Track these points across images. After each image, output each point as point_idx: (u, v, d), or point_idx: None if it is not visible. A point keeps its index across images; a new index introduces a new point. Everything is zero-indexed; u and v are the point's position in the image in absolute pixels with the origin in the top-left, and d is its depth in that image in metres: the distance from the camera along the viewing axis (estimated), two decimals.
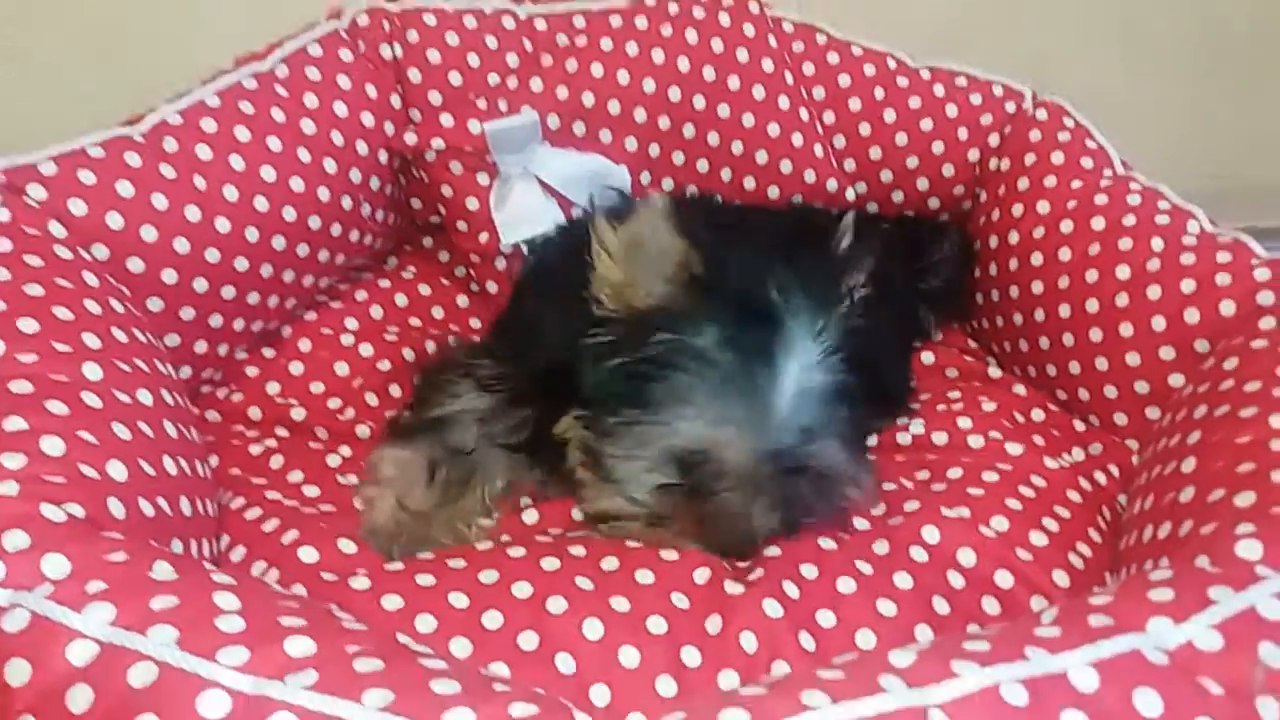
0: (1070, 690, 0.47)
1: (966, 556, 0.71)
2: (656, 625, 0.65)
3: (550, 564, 0.70)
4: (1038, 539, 0.73)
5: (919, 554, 0.71)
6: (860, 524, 0.75)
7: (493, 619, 0.64)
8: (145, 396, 0.74)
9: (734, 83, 1.07)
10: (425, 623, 0.64)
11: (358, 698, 0.43)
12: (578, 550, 0.72)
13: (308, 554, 0.71)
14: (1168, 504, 0.68)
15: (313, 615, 0.51)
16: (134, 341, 0.79)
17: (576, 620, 0.64)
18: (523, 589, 0.67)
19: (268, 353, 1.03)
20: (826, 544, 0.72)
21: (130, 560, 0.52)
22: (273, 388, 1.00)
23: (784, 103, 1.08)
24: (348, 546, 0.72)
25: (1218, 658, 0.50)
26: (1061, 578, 0.72)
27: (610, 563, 0.70)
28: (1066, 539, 0.74)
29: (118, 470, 0.63)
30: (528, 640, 0.63)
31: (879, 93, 1.10)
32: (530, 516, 0.81)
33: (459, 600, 0.66)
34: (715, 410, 0.69)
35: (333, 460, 0.90)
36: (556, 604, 0.65)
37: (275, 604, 0.51)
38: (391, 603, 0.66)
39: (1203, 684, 0.49)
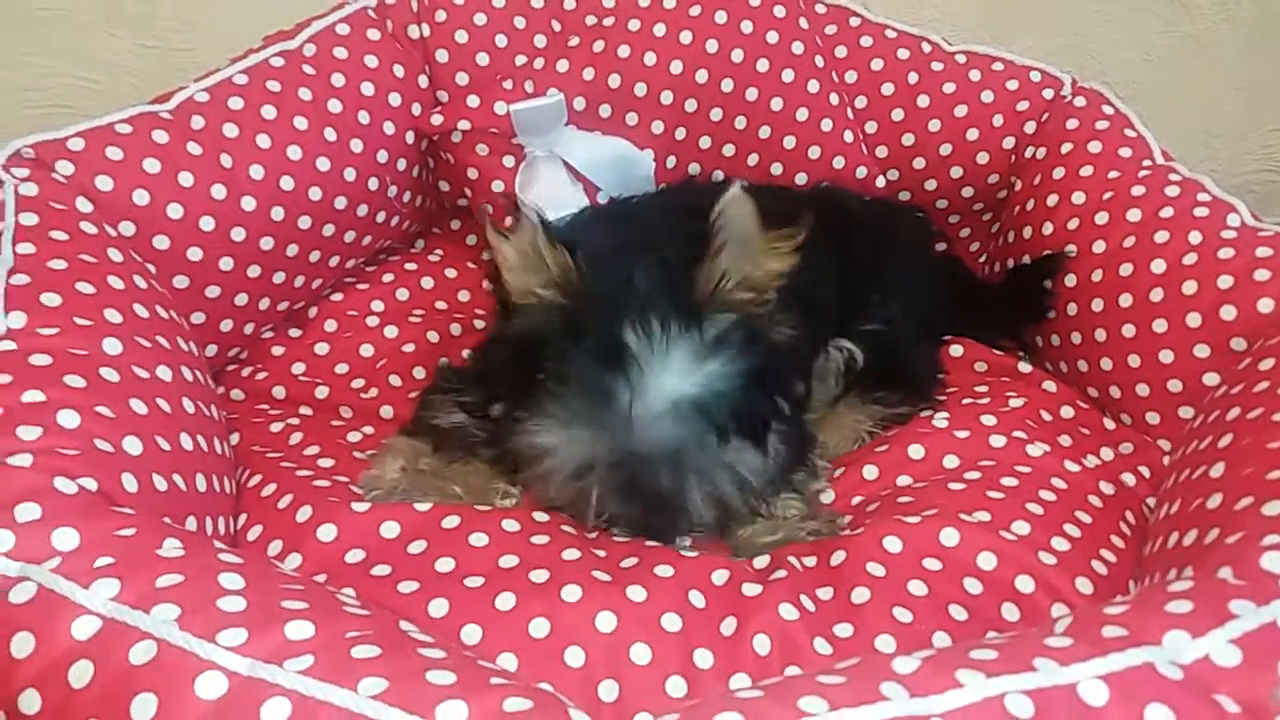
0: (1078, 703, 0.45)
1: (986, 561, 0.69)
2: (671, 623, 0.64)
3: (571, 554, 0.69)
4: (1060, 544, 0.71)
5: (935, 560, 0.70)
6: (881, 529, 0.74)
7: (506, 601, 0.64)
8: (165, 373, 0.74)
9: (763, 65, 1.05)
10: (439, 607, 0.64)
11: (353, 685, 0.43)
12: (600, 548, 0.72)
13: (326, 532, 0.70)
14: (1194, 510, 0.66)
15: (316, 598, 0.50)
16: (156, 318, 0.79)
17: (591, 612, 0.64)
18: (540, 575, 0.66)
19: (294, 333, 1.04)
20: (839, 553, 0.71)
21: (139, 536, 0.53)
22: (298, 368, 1.01)
23: (814, 87, 1.07)
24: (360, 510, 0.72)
25: (1235, 674, 0.48)
26: (1085, 584, 0.70)
27: (630, 560, 0.70)
28: (1090, 544, 0.72)
29: (133, 445, 0.64)
30: (539, 628, 0.63)
31: (913, 77, 1.08)
32: None
33: (473, 582, 0.66)
34: (573, 448, 0.70)
35: (353, 437, 0.90)
36: (572, 593, 0.65)
37: (279, 586, 0.51)
38: (408, 587, 0.66)
39: (1219, 701, 0.47)
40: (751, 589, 0.66)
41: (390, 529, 0.70)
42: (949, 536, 0.70)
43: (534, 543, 0.69)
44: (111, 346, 0.71)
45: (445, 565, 0.67)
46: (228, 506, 0.76)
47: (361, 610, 0.51)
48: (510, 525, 0.71)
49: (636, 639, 0.62)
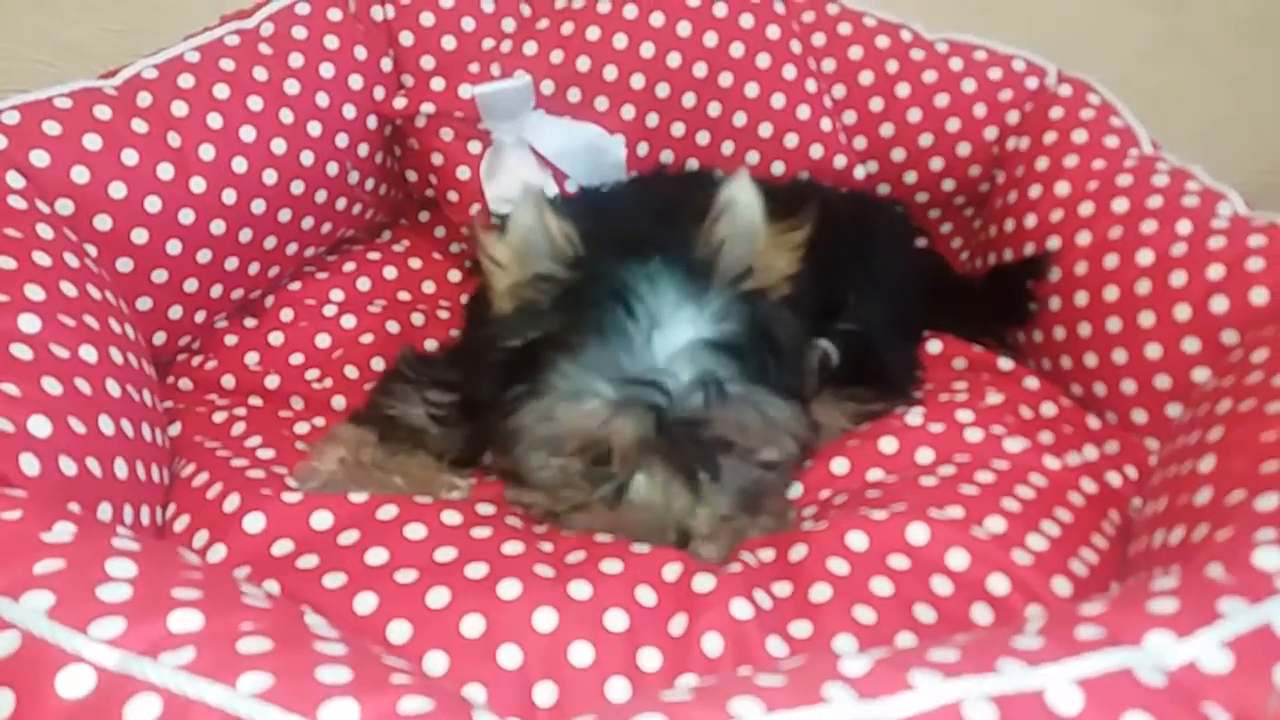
0: (1046, 712, 0.41)
1: (957, 559, 0.65)
2: (616, 621, 0.59)
3: (513, 548, 0.65)
4: (1036, 542, 0.67)
5: (903, 557, 0.65)
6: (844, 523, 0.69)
7: (438, 597, 0.59)
8: (89, 353, 0.70)
9: (737, 50, 1.01)
10: (365, 602, 0.60)
11: (231, 681, 0.38)
12: (546, 541, 0.67)
13: (253, 522, 0.66)
14: (1182, 506, 0.62)
15: (213, 589, 0.46)
16: (85, 297, 0.75)
17: (528, 609, 0.59)
18: (477, 569, 0.62)
19: (249, 322, 1.00)
20: (800, 548, 0.66)
21: (25, 519, 0.48)
22: (251, 358, 0.97)
23: (790, 73, 1.03)
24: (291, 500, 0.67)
25: (1225, 681, 0.43)
26: (1063, 585, 0.66)
27: (576, 555, 0.65)
28: (1068, 543, 0.68)
29: (40, 426, 0.60)
30: (472, 626, 0.58)
31: (892, 66, 1.04)
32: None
33: (405, 576, 0.61)
34: (592, 389, 0.65)
35: (301, 428, 0.86)
36: (510, 588, 0.60)
37: (176, 575, 0.47)
38: (333, 580, 0.61)
39: (1206, 711, 0.42)
40: (704, 584, 0.61)
41: (322, 520, 0.66)
42: (918, 533, 0.66)
43: (474, 536, 0.65)
44: (28, 323, 0.67)
45: (377, 558, 0.62)
46: (156, 496, 0.72)
47: (264, 603, 0.47)
48: (451, 517, 0.66)
49: (577, 638, 0.58)
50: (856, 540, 0.66)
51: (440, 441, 0.79)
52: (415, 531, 0.64)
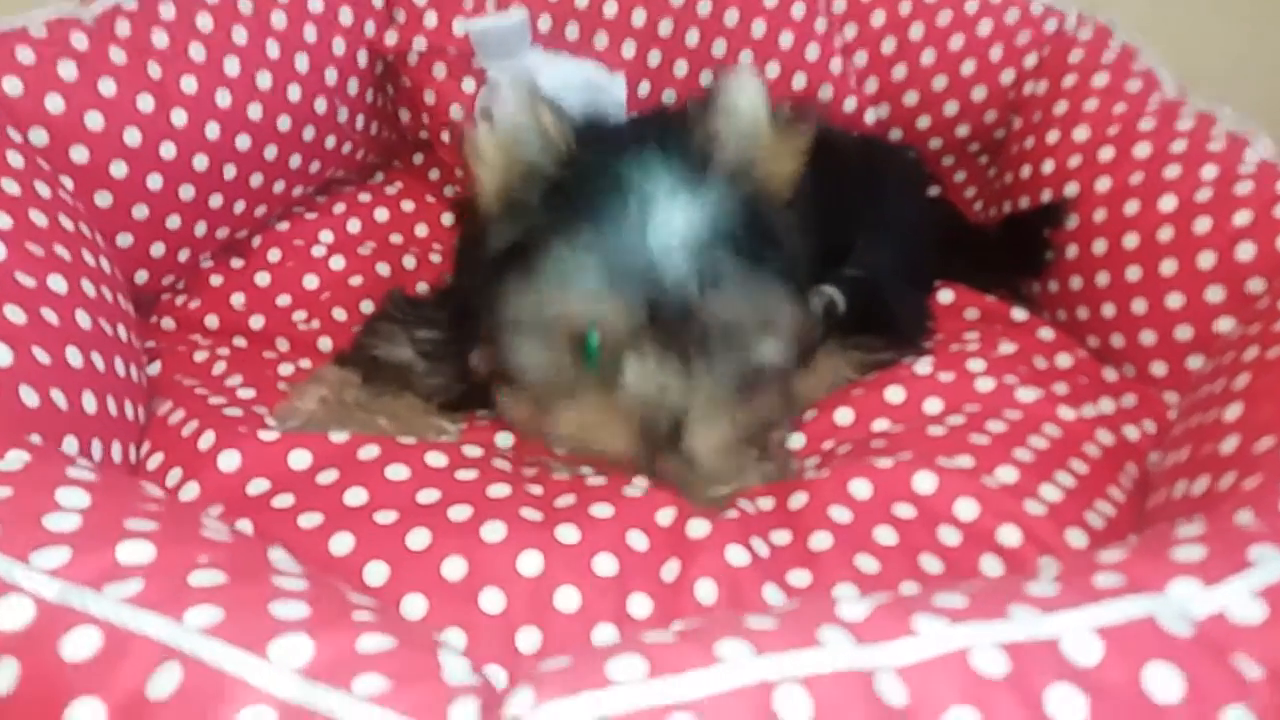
0: (1062, 661, 0.38)
1: (966, 509, 0.62)
2: (605, 566, 0.57)
3: (499, 490, 0.62)
4: (1050, 493, 0.63)
5: (909, 506, 0.62)
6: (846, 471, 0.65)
7: (419, 538, 0.56)
8: (58, 283, 0.67)
9: None
10: (341, 543, 0.57)
11: (178, 615, 0.36)
12: (535, 484, 0.64)
13: (228, 460, 0.63)
14: (1206, 455, 0.58)
15: (171, 521, 0.43)
16: (57, 227, 0.72)
17: (513, 552, 0.56)
18: (460, 512, 0.59)
19: (236, 263, 0.97)
20: (800, 495, 0.63)
21: None
22: (237, 298, 0.94)
23: (799, 11, 0.98)
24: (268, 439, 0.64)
25: (1257, 632, 0.40)
26: (1078, 537, 0.62)
27: (566, 499, 0.62)
28: (1084, 495, 0.64)
29: (1, 354, 0.56)
30: (453, 569, 0.55)
31: (905, 7, 1.00)
32: (505, 440, 0.73)
33: (385, 517, 0.58)
34: (584, 276, 0.61)
35: (285, 369, 0.83)
36: (494, 531, 0.57)
37: (132, 506, 0.44)
38: (309, 520, 0.58)
39: (1236, 664, 0.39)
40: (698, 529, 0.58)
41: (300, 459, 0.63)
42: (924, 481, 0.62)
43: (459, 478, 0.62)
44: None
45: (356, 498, 0.60)
46: (129, 432, 0.69)
47: (225, 538, 0.44)
48: (435, 459, 0.63)
49: (564, 582, 0.55)
50: (860, 488, 0.63)
51: (428, 382, 0.75)
52: (397, 472, 0.61)
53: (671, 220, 0.62)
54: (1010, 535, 0.61)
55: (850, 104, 1.02)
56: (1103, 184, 0.86)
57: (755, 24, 0.98)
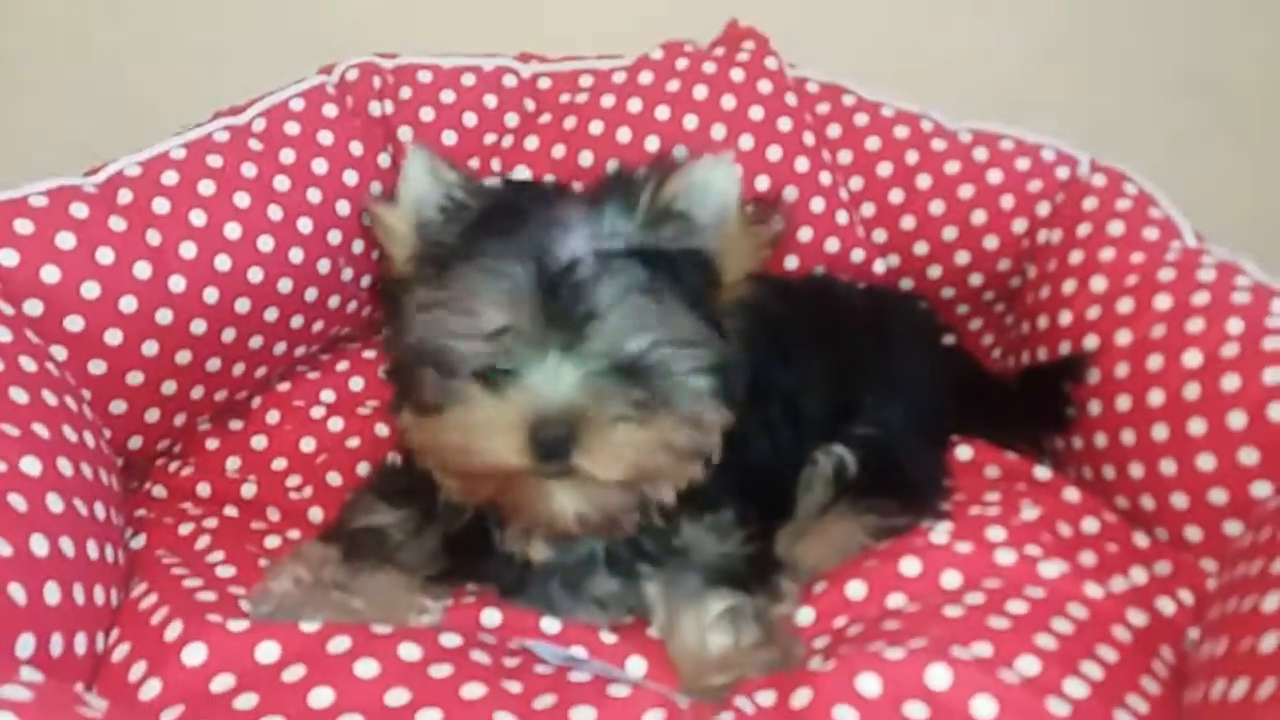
0: None
1: (984, 707, 0.56)
2: None
3: (473, 691, 0.57)
4: (1075, 689, 0.58)
5: (921, 705, 0.56)
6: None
7: None
8: (31, 465, 0.65)
9: (747, 142, 0.97)
10: None
11: None
12: (513, 680, 0.59)
13: (193, 654, 0.59)
14: (1245, 653, 0.53)
15: None
16: (38, 404, 0.71)
17: None
18: (429, 716, 0.54)
19: (234, 425, 0.96)
20: (804, 692, 0.58)
21: None
22: (232, 463, 0.93)
23: (803, 165, 0.98)
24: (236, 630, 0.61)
25: None
26: None
27: (546, 700, 0.57)
28: (1113, 689, 0.59)
29: None
30: None
31: (912, 157, 0.99)
32: (491, 618, 0.69)
33: None
34: (485, 284, 0.61)
35: (271, 542, 0.81)
36: None
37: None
38: None
39: None
40: None
41: (267, 652, 0.59)
42: (938, 676, 0.57)
43: (432, 675, 0.57)
44: None
45: (321, 699, 0.55)
46: (97, 620, 0.65)
47: None
48: (409, 652, 0.59)
49: None
50: (868, 684, 0.57)
51: (411, 554, 0.72)
52: (366, 669, 0.57)
53: (577, 236, 0.62)
54: None
55: (858, 255, 1.00)
56: (1123, 337, 0.82)
57: (759, 179, 0.98)
